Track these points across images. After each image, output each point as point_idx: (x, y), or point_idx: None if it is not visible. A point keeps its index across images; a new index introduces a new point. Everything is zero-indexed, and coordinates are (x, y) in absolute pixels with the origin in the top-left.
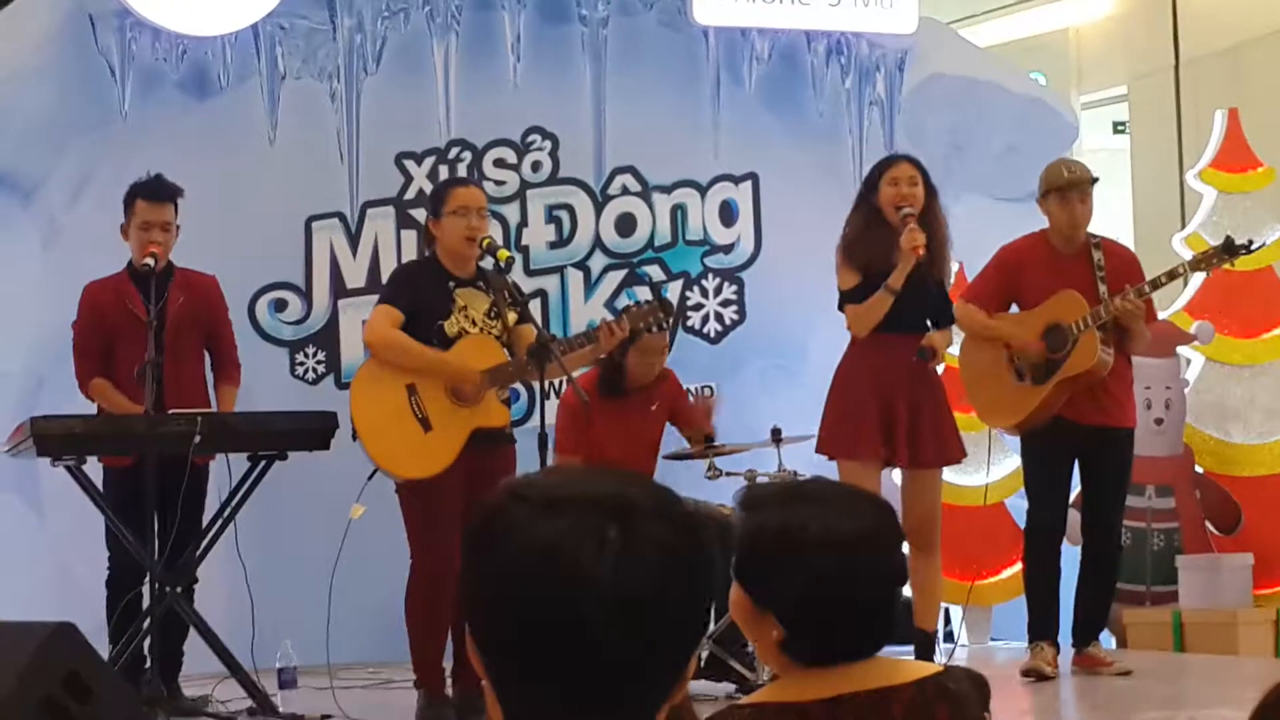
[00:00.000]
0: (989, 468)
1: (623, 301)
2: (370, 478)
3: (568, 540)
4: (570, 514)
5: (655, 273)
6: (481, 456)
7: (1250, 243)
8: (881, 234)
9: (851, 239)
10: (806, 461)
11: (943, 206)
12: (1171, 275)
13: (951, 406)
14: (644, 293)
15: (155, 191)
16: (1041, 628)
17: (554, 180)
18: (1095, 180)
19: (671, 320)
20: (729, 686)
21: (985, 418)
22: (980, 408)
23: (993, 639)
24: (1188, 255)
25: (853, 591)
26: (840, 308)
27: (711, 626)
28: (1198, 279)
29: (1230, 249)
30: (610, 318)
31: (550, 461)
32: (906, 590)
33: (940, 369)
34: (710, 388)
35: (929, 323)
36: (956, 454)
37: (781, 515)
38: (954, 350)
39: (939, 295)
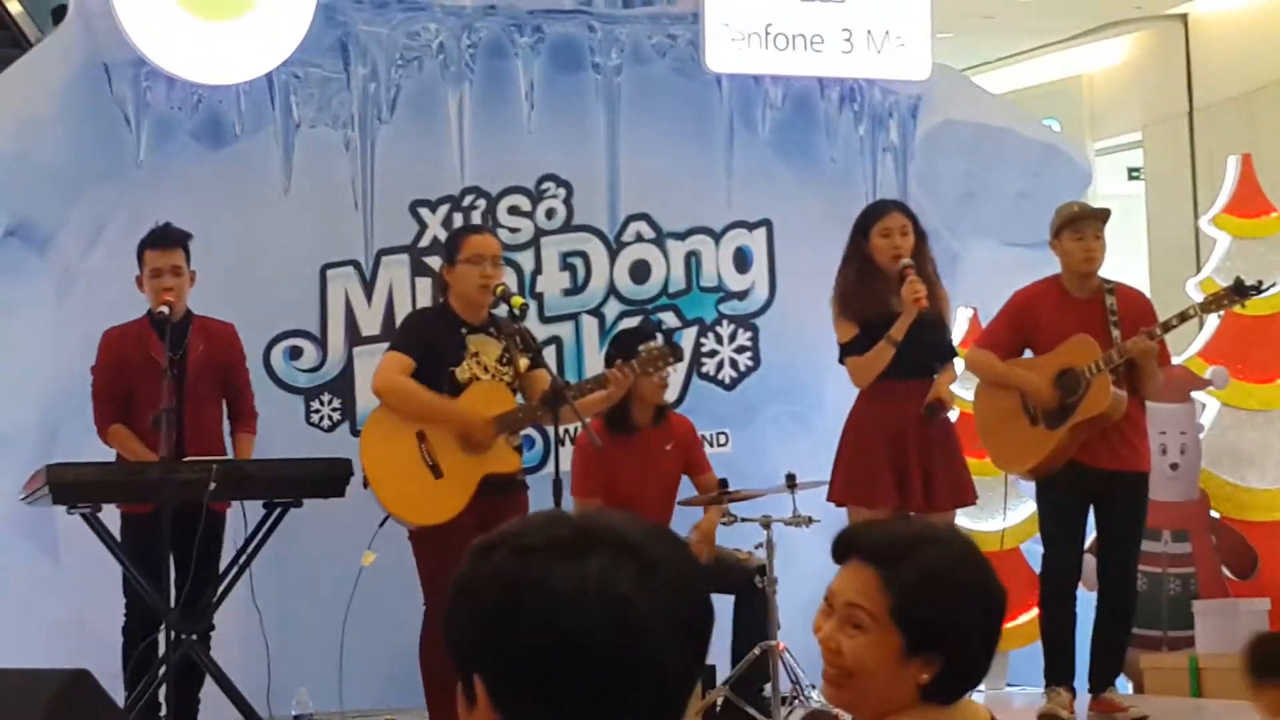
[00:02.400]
0: (1005, 512)
1: (618, 325)
2: (381, 525)
3: (608, 580)
4: (590, 555)
5: (669, 319)
6: (494, 502)
7: (1260, 284)
8: (875, 285)
9: (846, 292)
10: (821, 507)
11: (942, 250)
12: (1183, 317)
13: (964, 450)
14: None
15: (161, 239)
16: (1058, 672)
17: (568, 227)
18: (1108, 215)
19: (677, 357)
20: None
21: (1000, 463)
22: (995, 453)
23: (1009, 684)
24: (1201, 300)
25: (992, 624)
26: (841, 360)
27: (728, 672)
28: (1212, 324)
29: (1240, 290)
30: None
31: (566, 506)
32: None
33: (954, 415)
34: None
35: (935, 365)
36: (969, 497)
37: (934, 557)
38: (966, 394)
39: (940, 334)
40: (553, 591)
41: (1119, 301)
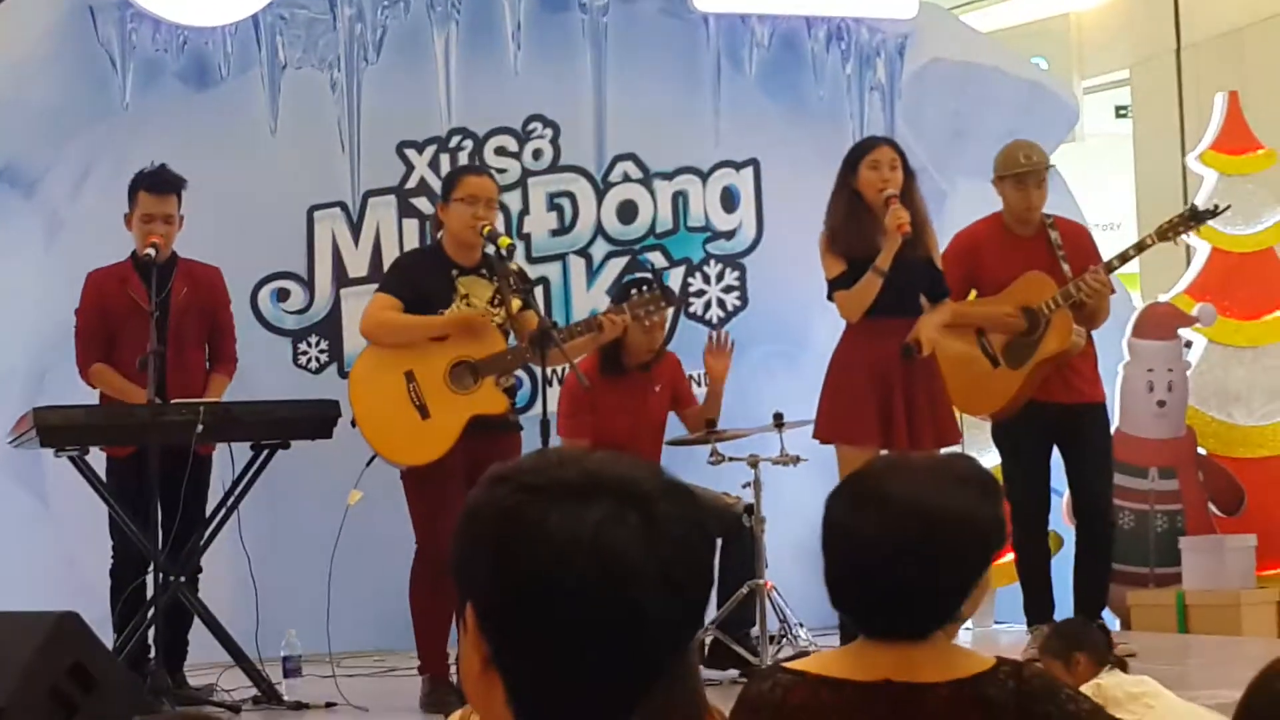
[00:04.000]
0: (987, 451)
1: (611, 278)
2: (369, 464)
3: (606, 530)
4: (593, 502)
5: (657, 259)
6: (484, 443)
7: (1216, 207)
8: (864, 219)
9: (834, 226)
10: (809, 446)
11: (930, 189)
12: (1140, 248)
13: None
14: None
15: (159, 183)
16: (1038, 611)
17: (555, 168)
18: (1050, 167)
19: (673, 303)
20: (733, 673)
21: (963, 407)
22: (958, 397)
23: (996, 621)
24: (1192, 239)
25: (891, 571)
26: (830, 296)
27: (713, 613)
28: (1199, 261)
29: (1195, 215)
30: (611, 306)
31: (554, 445)
32: None
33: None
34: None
35: (923, 302)
36: (954, 436)
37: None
38: None
39: (930, 272)
40: (547, 534)
41: (1062, 235)
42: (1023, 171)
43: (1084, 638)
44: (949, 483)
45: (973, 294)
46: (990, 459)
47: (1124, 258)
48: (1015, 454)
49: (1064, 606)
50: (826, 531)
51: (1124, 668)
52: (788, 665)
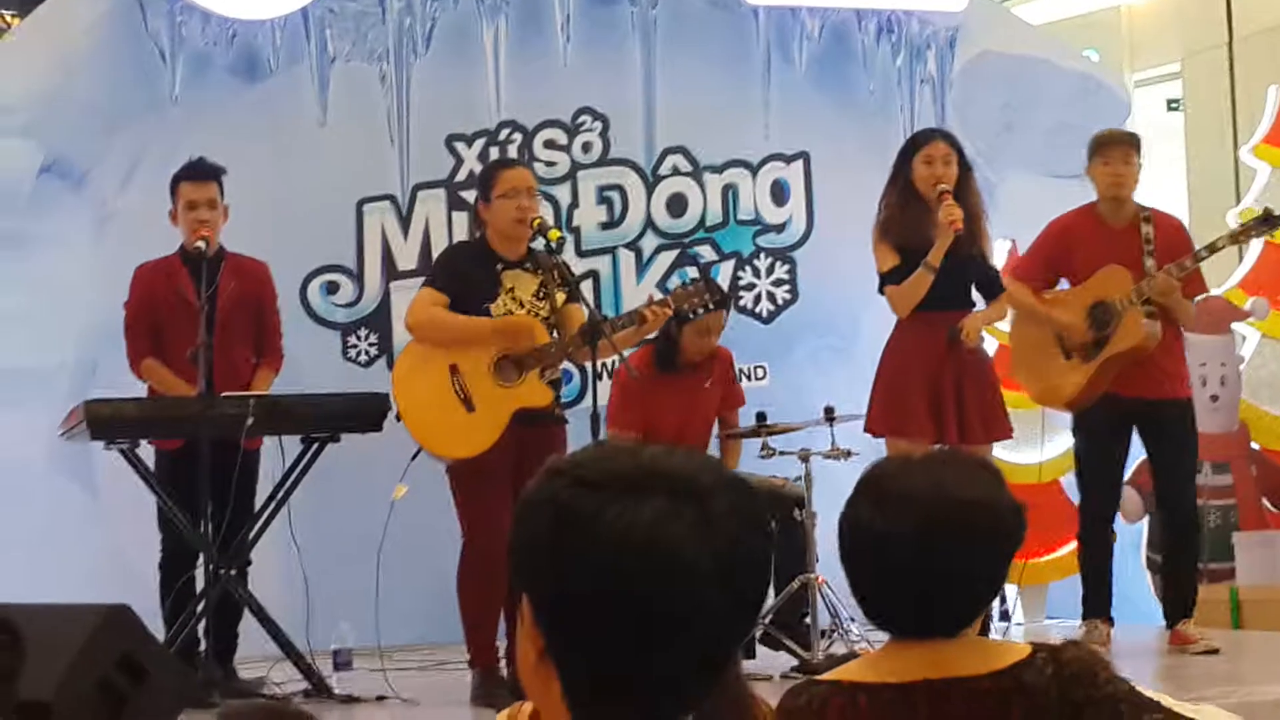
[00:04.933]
0: (1043, 445)
1: (674, 282)
2: (414, 458)
3: (660, 527)
4: (648, 498)
5: (707, 253)
6: (529, 436)
7: None
8: (917, 212)
9: (887, 219)
10: (860, 440)
11: (979, 181)
12: (1211, 249)
13: (1002, 384)
14: (694, 273)
15: (196, 172)
16: (1095, 605)
17: (605, 161)
18: (1137, 140)
19: (718, 300)
20: (784, 666)
21: (1035, 397)
22: (1029, 386)
23: (1048, 617)
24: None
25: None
26: (880, 290)
27: (767, 605)
28: (1252, 255)
29: (1269, 220)
30: (659, 297)
31: (604, 438)
32: None
33: (993, 348)
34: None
35: (975, 297)
36: (1004, 431)
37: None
38: (1004, 326)
39: (983, 269)
40: (600, 530)
41: (1155, 230)
42: (1106, 140)
43: None
44: (967, 473)
45: (1063, 283)
46: (1037, 453)
47: (1196, 258)
48: (1090, 447)
49: (1123, 602)
50: (851, 536)
51: None
52: (820, 678)
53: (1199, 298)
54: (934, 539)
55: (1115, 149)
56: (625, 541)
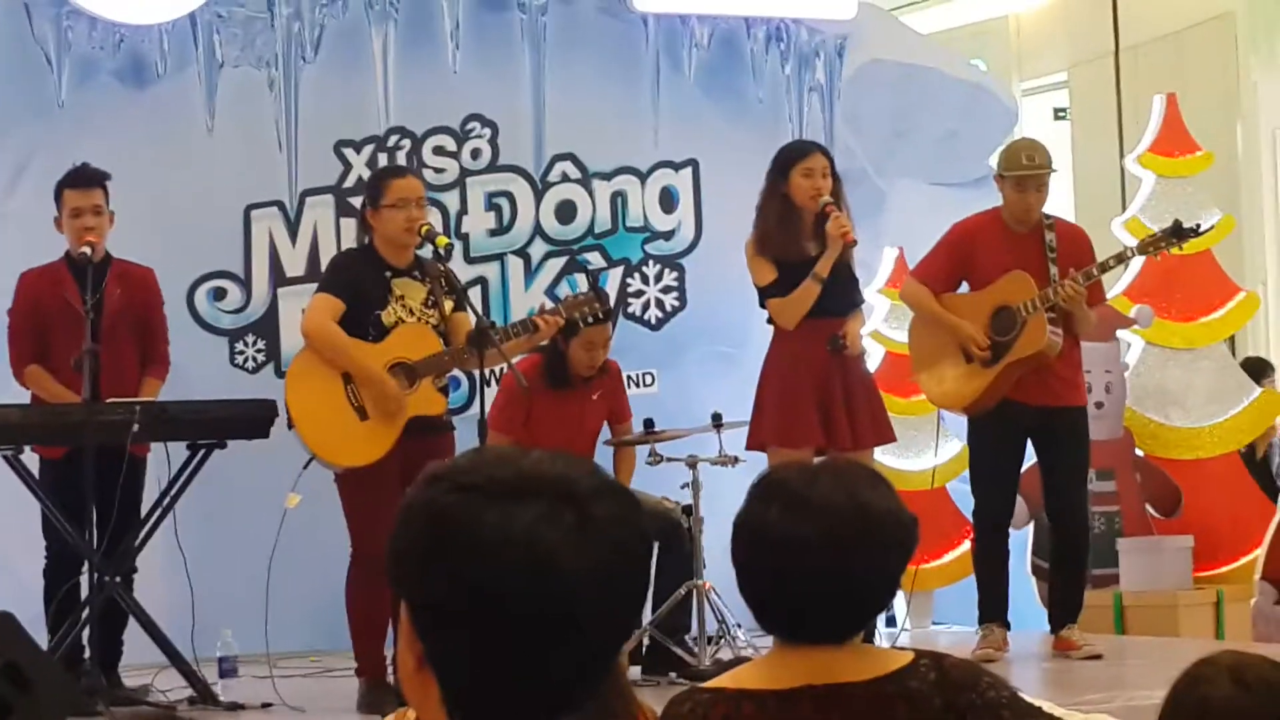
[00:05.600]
0: (937, 451)
1: (563, 290)
2: (306, 466)
3: (537, 531)
4: (527, 502)
5: (596, 259)
6: (420, 444)
7: (1198, 226)
8: (795, 224)
9: (765, 230)
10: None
11: (869, 190)
12: (1119, 259)
13: (896, 387)
14: (584, 282)
15: (81, 178)
16: (991, 610)
17: (494, 168)
18: (1053, 170)
19: (605, 311)
20: (670, 674)
21: (934, 399)
22: (929, 389)
23: (935, 623)
24: (1128, 239)
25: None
26: (762, 304)
27: (650, 614)
28: (1136, 263)
29: (1178, 233)
30: (549, 305)
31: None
32: None
33: (878, 356)
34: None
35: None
36: (889, 434)
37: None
38: (897, 335)
39: (853, 282)
40: (478, 534)
41: (1059, 238)
42: (1024, 174)
43: None
44: (868, 482)
45: (963, 286)
46: (925, 459)
47: (1103, 267)
48: (985, 452)
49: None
50: (749, 539)
51: None
52: (704, 685)
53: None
54: (844, 545)
55: (1031, 180)
56: (505, 544)
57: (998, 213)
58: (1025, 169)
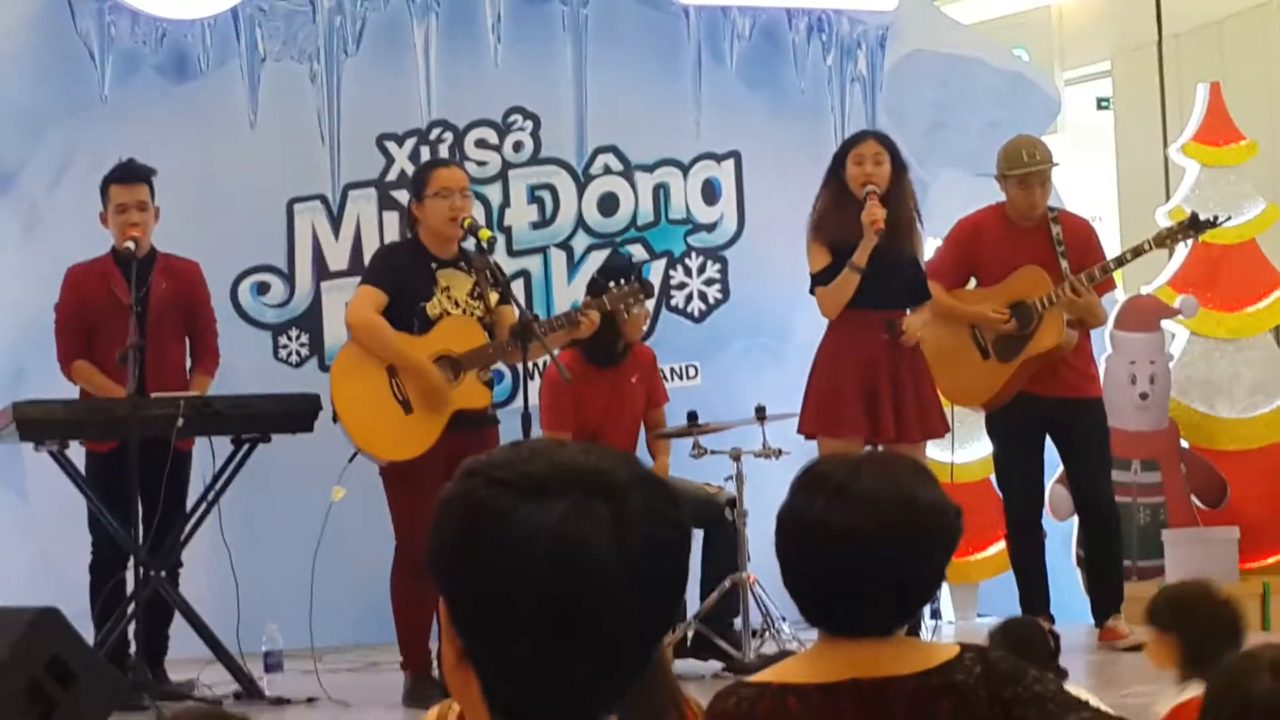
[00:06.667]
0: (954, 448)
1: (587, 258)
2: (351, 460)
3: (571, 525)
4: (560, 496)
5: (638, 252)
6: (464, 438)
7: (1216, 218)
8: (848, 212)
9: (820, 218)
10: (791, 439)
11: (912, 181)
12: (1137, 252)
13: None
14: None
15: (127, 174)
16: (1032, 602)
17: (536, 160)
18: (1055, 165)
19: (647, 291)
20: (715, 665)
21: (951, 396)
22: (945, 386)
23: (979, 615)
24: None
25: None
26: (811, 291)
27: (697, 606)
28: (1181, 253)
29: (1196, 224)
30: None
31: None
32: None
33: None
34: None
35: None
36: (939, 428)
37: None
38: None
39: (914, 273)
40: (509, 529)
41: (1065, 231)
42: (1027, 172)
43: (1031, 642)
44: (912, 473)
45: (971, 282)
46: (972, 451)
47: (1120, 261)
48: (1007, 446)
49: (1054, 600)
50: (793, 531)
51: (1065, 676)
52: (749, 680)
53: (1106, 295)
54: (891, 538)
55: (1034, 176)
56: (535, 540)
57: (1002, 208)
58: (1028, 166)
